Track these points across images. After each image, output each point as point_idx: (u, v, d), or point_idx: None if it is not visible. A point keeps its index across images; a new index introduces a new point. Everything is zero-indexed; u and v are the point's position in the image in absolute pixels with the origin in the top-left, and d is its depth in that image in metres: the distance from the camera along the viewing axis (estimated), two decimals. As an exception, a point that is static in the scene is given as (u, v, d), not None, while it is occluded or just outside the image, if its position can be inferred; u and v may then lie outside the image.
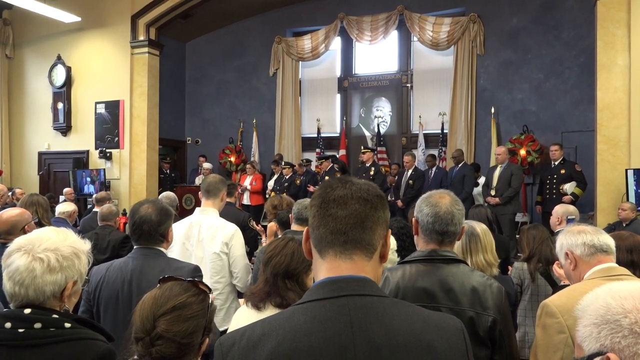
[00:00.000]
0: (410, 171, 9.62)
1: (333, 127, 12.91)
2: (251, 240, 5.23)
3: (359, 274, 1.30)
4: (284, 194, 8.51)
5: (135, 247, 2.83)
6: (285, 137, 12.84)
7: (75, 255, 1.79)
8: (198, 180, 11.94)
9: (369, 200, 1.32)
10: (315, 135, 12.65)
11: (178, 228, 3.72)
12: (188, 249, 3.82)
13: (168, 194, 6.33)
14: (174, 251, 3.73)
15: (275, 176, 11.22)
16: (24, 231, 3.25)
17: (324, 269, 1.31)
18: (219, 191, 3.98)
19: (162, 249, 2.81)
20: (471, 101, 11.11)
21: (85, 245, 1.86)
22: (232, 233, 3.79)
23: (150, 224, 2.74)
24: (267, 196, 10.88)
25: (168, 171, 12.55)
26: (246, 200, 11.41)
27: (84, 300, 2.80)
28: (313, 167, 12.10)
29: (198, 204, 8.04)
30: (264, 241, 5.43)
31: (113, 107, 11.27)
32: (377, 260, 1.34)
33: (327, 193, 1.33)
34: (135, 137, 11.08)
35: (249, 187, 11.34)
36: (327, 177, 8.75)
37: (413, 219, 2.36)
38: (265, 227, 5.60)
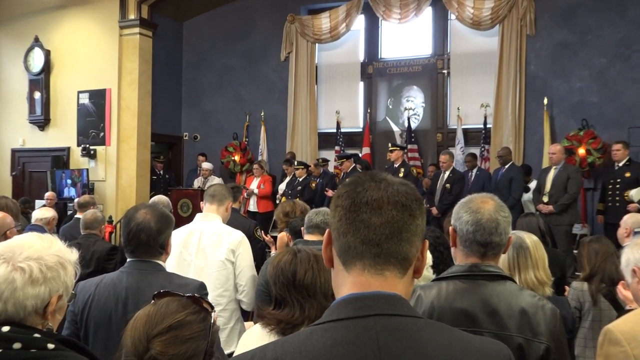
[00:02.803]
0: (447, 173, 9.57)
1: (355, 121, 12.82)
2: (258, 253, 5.25)
3: (390, 291, 1.32)
4: (297, 199, 8.71)
5: (129, 260, 2.85)
6: (298, 133, 12.79)
7: (61, 265, 1.79)
8: (197, 183, 11.97)
9: (408, 206, 1.31)
10: (334, 131, 12.59)
11: (176, 236, 3.76)
12: (186, 258, 3.91)
13: (161, 199, 6.36)
14: (170, 262, 3.77)
15: (287, 178, 11.16)
16: (5, 237, 3.30)
17: (348, 283, 1.31)
18: (225, 199, 4.13)
19: (160, 263, 2.84)
20: (520, 91, 11.05)
21: (72, 254, 1.87)
22: (240, 239, 3.94)
23: (148, 232, 2.75)
24: (277, 202, 10.85)
25: (161, 172, 12.44)
26: (253, 206, 11.39)
27: (69, 322, 2.79)
28: (331, 168, 12.02)
29: (196, 210, 7.91)
30: (273, 254, 5.30)
31: (98, 97, 11.42)
32: (410, 276, 1.34)
33: (358, 194, 1.31)
34: (124, 132, 11.25)
35: (256, 191, 11.33)
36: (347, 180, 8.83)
37: (450, 228, 2.35)
38: (275, 237, 5.61)
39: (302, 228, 4.13)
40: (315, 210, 4.03)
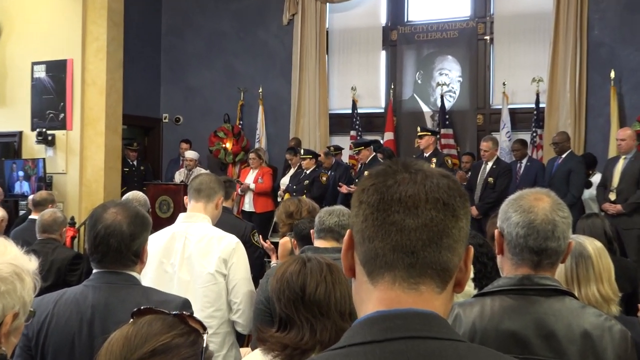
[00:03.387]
0: (489, 164, 9.61)
1: (375, 100, 12.88)
2: (256, 263, 5.29)
3: (425, 308, 1.32)
4: (304, 196, 8.42)
5: (95, 271, 2.85)
6: (305, 114, 12.90)
7: (18, 276, 1.79)
8: (179, 176, 11.99)
9: (450, 204, 1.31)
10: (350, 112, 12.61)
11: (154, 242, 3.72)
12: (168, 270, 3.92)
13: (136, 195, 6.39)
14: (147, 275, 3.78)
15: (291, 170, 11.28)
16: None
17: (373, 298, 1.31)
18: (214, 194, 4.12)
19: (134, 274, 2.84)
20: (580, 62, 11.13)
21: (31, 263, 1.86)
22: (233, 247, 3.93)
23: (120, 237, 2.76)
24: (278, 199, 10.96)
25: (135, 162, 12.53)
26: (248, 205, 11.55)
27: (20, 348, 2.77)
28: (346, 158, 12.19)
29: (178, 209, 7.94)
30: (274, 264, 5.46)
31: (57, 69, 11.43)
32: (450, 291, 1.35)
33: (389, 188, 1.31)
34: (89, 113, 11.24)
35: (252, 186, 11.43)
36: (366, 173, 8.93)
37: (495, 232, 2.37)
38: (276, 244, 5.65)
39: (310, 232, 4.16)
40: (328, 210, 4.04)
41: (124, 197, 6.66)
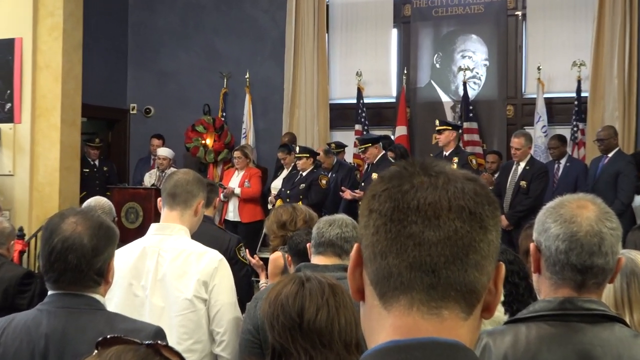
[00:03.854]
0: (522, 165, 9.63)
1: (385, 88, 12.98)
2: (242, 283, 5.26)
3: (448, 337, 1.31)
4: (299, 203, 8.41)
5: (51, 292, 2.85)
6: (301, 105, 13.00)
7: None
8: (149, 179, 12.04)
9: (477, 214, 1.31)
10: (355, 102, 12.69)
11: (121, 259, 3.69)
12: (138, 294, 3.89)
13: (99, 201, 6.37)
14: (113, 299, 3.77)
15: (285, 172, 11.34)
16: None
17: (387, 326, 1.32)
18: (193, 198, 4.05)
19: (98, 297, 2.85)
20: (630, 43, 11.15)
21: None
22: (215, 265, 3.89)
23: (80, 252, 2.75)
24: (269, 206, 11.00)
25: (97, 162, 12.60)
26: (233, 213, 11.59)
27: None
28: (350, 158, 12.31)
29: (149, 219, 7.97)
30: (263, 284, 5.49)
31: (3, 50, 11.39)
32: (477, 317, 1.35)
33: (405, 194, 1.31)
34: (42, 102, 11.11)
35: (237, 190, 11.49)
36: (374, 176, 8.82)
37: (531, 246, 2.37)
38: (265, 260, 5.66)
39: (307, 246, 4.16)
40: (328, 220, 4.05)
41: (85, 203, 6.48)
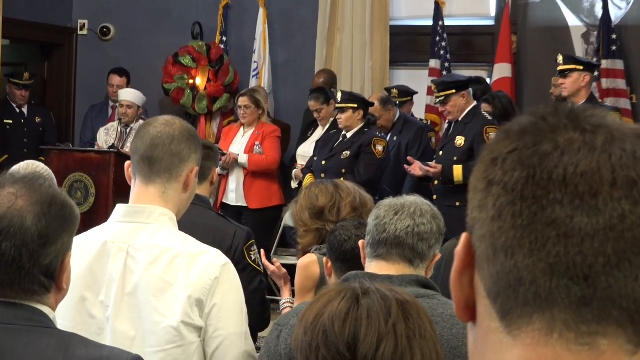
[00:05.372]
0: None
1: (478, 3, 12.90)
2: (252, 301, 5.20)
3: None
4: (342, 179, 8.03)
5: None
6: (345, 27, 12.63)
7: None
8: (105, 137, 11.79)
9: None
10: (430, 23, 12.44)
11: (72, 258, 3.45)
12: (94, 315, 3.88)
13: (34, 168, 6.34)
14: (56, 320, 3.38)
15: (318, 131, 11.20)
16: None
17: (513, 359, 1.30)
18: (182, 163, 3.97)
19: (45, 310, 2.88)
20: None
21: None
22: (216, 275, 3.85)
23: (20, 239, 2.79)
24: (293, 184, 11.10)
25: (26, 109, 12.79)
26: (235, 194, 11.20)
27: None
28: (420, 112, 12.15)
29: (107, 198, 7.57)
30: (286, 304, 5.67)
31: None
32: None
33: (544, 158, 1.26)
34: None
35: (242, 158, 11.11)
36: (460, 140, 9.54)
37: None
38: (288, 267, 5.97)
39: (359, 245, 4.19)
40: (393, 205, 3.98)
41: (11, 170, 6.58)
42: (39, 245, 2.84)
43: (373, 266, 3.98)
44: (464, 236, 1.37)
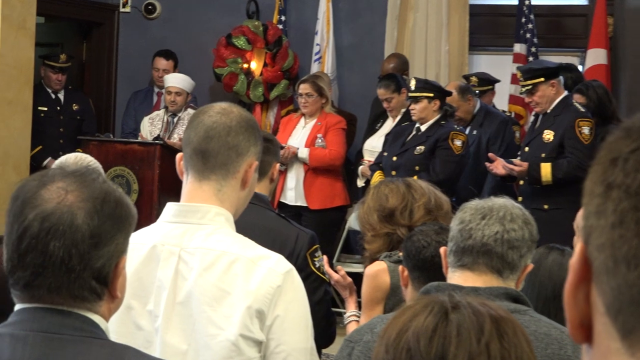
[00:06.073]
0: None
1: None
2: (317, 313, 5.08)
3: None
4: (415, 177, 8.42)
5: (20, 306, 2.89)
6: (419, 6, 12.77)
7: None
8: (150, 127, 11.99)
9: None
10: (515, 3, 12.41)
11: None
12: (142, 326, 3.93)
13: (84, 160, 6.78)
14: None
15: (388, 123, 11.27)
16: None
17: None
18: (239, 157, 4.00)
19: (97, 319, 2.88)
20: None
21: None
22: (279, 283, 3.87)
23: (70, 239, 2.77)
24: (359, 182, 11.27)
25: (62, 95, 12.87)
26: (294, 192, 11.41)
27: None
28: (503, 103, 12.22)
29: (152, 194, 8.23)
30: (351, 317, 5.80)
31: None
32: None
33: None
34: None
35: (303, 152, 11.33)
36: (549, 134, 9.78)
37: None
38: (354, 275, 5.42)
39: (441, 252, 4.19)
40: (480, 208, 4.01)
41: (57, 162, 6.64)
42: (90, 245, 2.80)
43: (457, 277, 3.96)
44: (578, 246, 1.37)
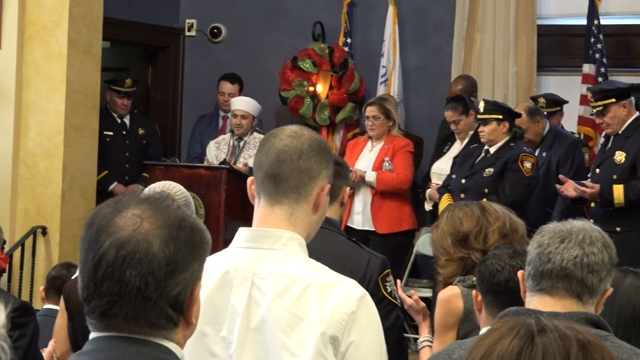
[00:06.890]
0: None
1: (636, 1, 12.52)
2: (390, 338, 4.84)
3: None
4: (484, 200, 8.58)
5: (95, 335, 2.87)
6: (486, 27, 12.93)
7: None
8: (216, 151, 12.06)
9: None
10: (584, 23, 12.38)
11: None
12: (215, 352, 3.95)
13: (171, 189, 6.68)
14: None
15: (456, 145, 11.32)
16: None
17: None
18: (312, 181, 3.99)
19: (173, 347, 2.89)
20: None
21: None
22: (353, 309, 3.80)
23: (146, 267, 2.79)
24: (427, 206, 11.29)
25: (128, 120, 13.02)
26: (361, 216, 11.39)
27: None
28: (572, 124, 12.13)
29: (218, 219, 8.20)
30: (425, 342, 5.85)
31: None
32: None
33: None
34: (35, 15, 11.22)
35: (370, 176, 11.36)
36: (620, 156, 9.81)
37: None
38: (423, 300, 5.59)
39: (519, 275, 4.14)
40: (558, 232, 3.93)
41: (147, 189, 6.67)
42: (166, 273, 2.83)
43: (535, 301, 3.90)
44: None
